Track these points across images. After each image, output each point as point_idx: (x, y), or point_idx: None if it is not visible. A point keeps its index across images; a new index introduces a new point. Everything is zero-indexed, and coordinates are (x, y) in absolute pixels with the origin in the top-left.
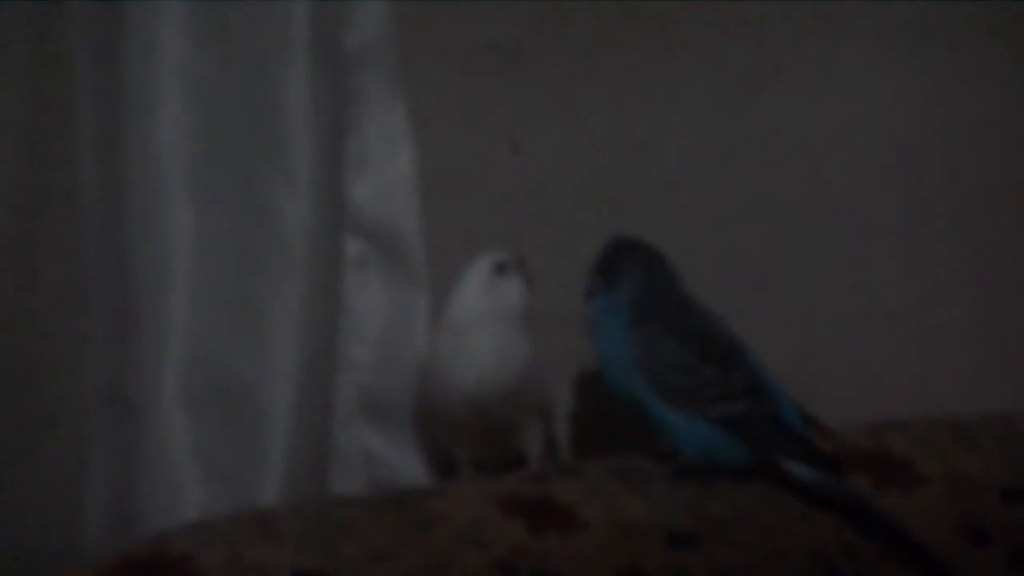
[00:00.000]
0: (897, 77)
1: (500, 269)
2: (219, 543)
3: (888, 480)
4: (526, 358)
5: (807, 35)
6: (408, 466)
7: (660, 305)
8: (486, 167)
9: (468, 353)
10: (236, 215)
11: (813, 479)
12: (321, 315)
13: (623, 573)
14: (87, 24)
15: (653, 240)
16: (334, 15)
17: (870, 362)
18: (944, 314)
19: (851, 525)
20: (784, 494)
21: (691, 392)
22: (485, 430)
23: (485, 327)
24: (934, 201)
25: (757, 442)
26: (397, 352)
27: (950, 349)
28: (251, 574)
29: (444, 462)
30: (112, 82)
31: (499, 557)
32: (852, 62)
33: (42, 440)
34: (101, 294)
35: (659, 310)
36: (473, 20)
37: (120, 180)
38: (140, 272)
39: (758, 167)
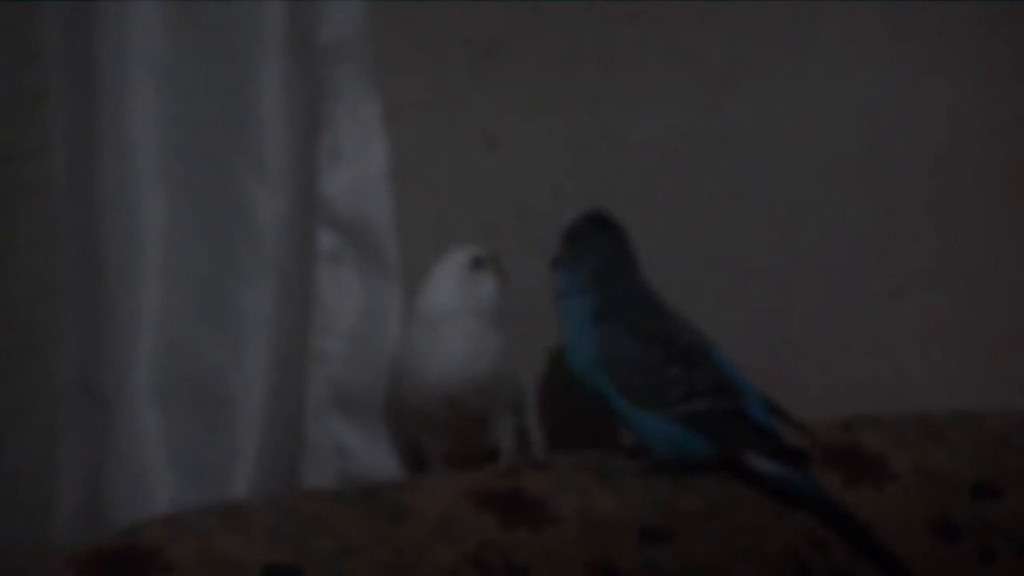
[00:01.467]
0: (870, 72)
1: (475, 264)
2: (190, 536)
3: (859, 476)
4: (497, 352)
5: (781, 30)
6: (380, 460)
7: (623, 300)
8: (461, 161)
9: (440, 347)
10: (209, 208)
11: (777, 474)
12: (293, 308)
13: (594, 568)
14: (60, 16)
15: (630, 236)
16: (309, 9)
17: (842, 357)
18: (917, 310)
19: (815, 520)
20: (752, 490)
21: (654, 391)
22: (456, 424)
23: (457, 321)
24: (907, 196)
25: (720, 438)
26: (370, 346)
27: (923, 345)
28: (222, 567)
29: (415, 456)
30: (85, 75)
31: (470, 551)
32: (826, 57)
33: (12, 432)
34: (73, 286)
35: (621, 306)
36: (448, 15)
37: (93, 173)
38: (112, 264)
39: (733, 162)
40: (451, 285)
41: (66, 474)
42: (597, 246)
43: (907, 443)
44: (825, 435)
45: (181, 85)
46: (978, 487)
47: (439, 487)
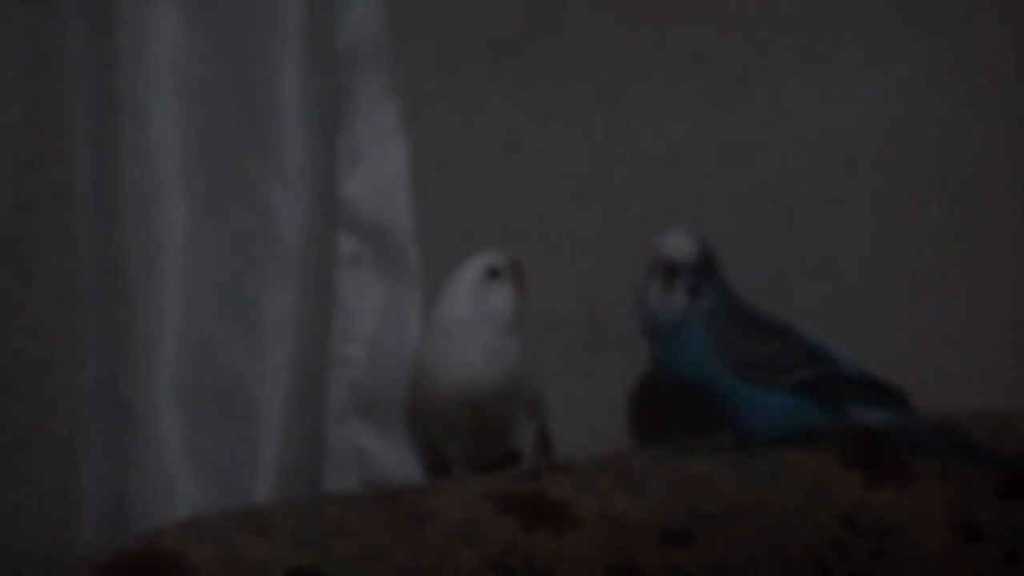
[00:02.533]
0: (888, 72)
1: (492, 274)
2: (212, 540)
3: (883, 477)
4: (514, 357)
5: (799, 31)
6: (401, 464)
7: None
8: (480, 164)
9: (455, 354)
10: (229, 212)
11: (884, 419)
12: (314, 312)
13: (616, 570)
14: (80, 20)
15: (647, 237)
16: (327, 12)
17: (861, 358)
18: (936, 310)
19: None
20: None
21: (764, 368)
22: (476, 428)
23: (472, 330)
24: (926, 196)
25: (828, 396)
26: (390, 349)
27: (942, 345)
28: (243, 571)
29: (437, 460)
30: (105, 79)
31: (492, 555)
32: (844, 57)
33: (36, 437)
34: (95, 292)
35: (726, 301)
36: (468, 17)
37: (113, 177)
38: (134, 270)
39: (752, 162)
40: (466, 295)
41: (89, 479)
42: (713, 272)
43: (929, 445)
44: (849, 437)
45: (201, 90)
46: (1001, 488)
47: (460, 491)
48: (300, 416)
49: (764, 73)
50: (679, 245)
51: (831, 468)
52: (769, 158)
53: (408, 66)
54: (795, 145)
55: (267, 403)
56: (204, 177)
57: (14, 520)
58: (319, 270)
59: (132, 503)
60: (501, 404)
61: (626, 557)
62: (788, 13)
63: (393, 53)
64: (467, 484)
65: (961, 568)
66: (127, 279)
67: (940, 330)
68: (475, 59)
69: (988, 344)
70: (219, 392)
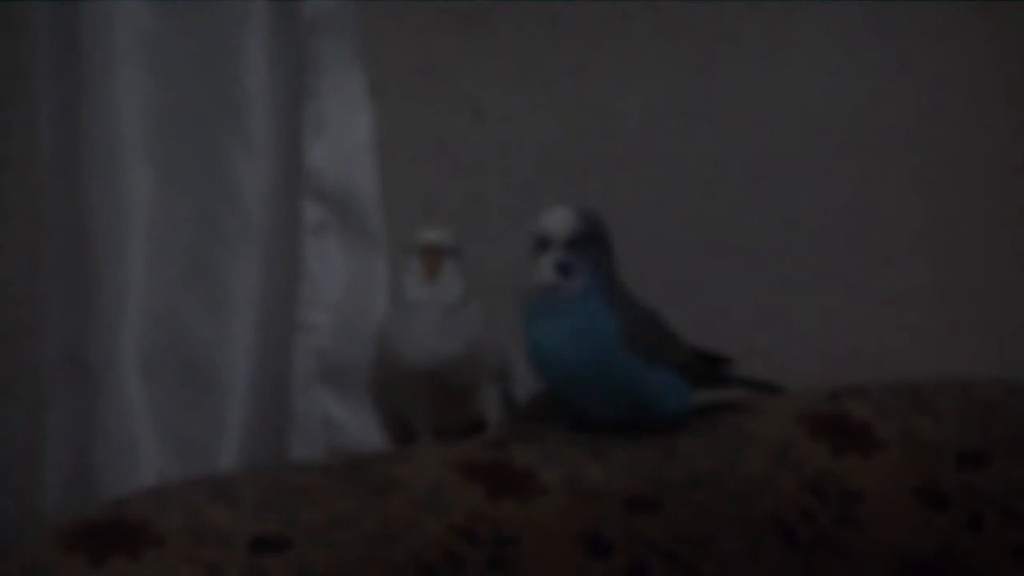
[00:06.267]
0: (855, 41)
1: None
2: (177, 508)
3: (847, 445)
4: (470, 326)
5: (765, 1)
6: (367, 431)
7: (617, 288)
8: (446, 133)
9: (412, 329)
10: (194, 180)
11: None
12: (279, 280)
13: (582, 537)
14: None
15: (615, 206)
16: None
17: (828, 328)
18: (901, 280)
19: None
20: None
21: (659, 348)
22: (439, 398)
23: (421, 307)
24: (892, 166)
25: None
26: (355, 317)
27: (907, 314)
28: (209, 539)
29: (402, 428)
30: (71, 47)
31: (458, 522)
32: (810, 26)
33: (0, 406)
34: (59, 260)
35: (618, 292)
36: None
37: (79, 147)
38: (98, 238)
39: (718, 132)
40: (410, 284)
41: (54, 448)
42: (604, 246)
43: (893, 412)
44: (812, 405)
45: (166, 59)
46: (965, 455)
47: (426, 459)
48: (265, 384)
49: (730, 42)
50: (556, 219)
51: (797, 436)
52: (736, 126)
53: (374, 35)
54: (762, 113)
55: (232, 371)
56: (169, 147)
57: None
58: (284, 238)
59: (97, 471)
60: (461, 374)
61: (592, 525)
62: None
63: (358, 22)
64: (433, 452)
65: (926, 534)
66: (92, 249)
67: (905, 298)
68: (442, 28)
69: (953, 313)
70: (184, 360)
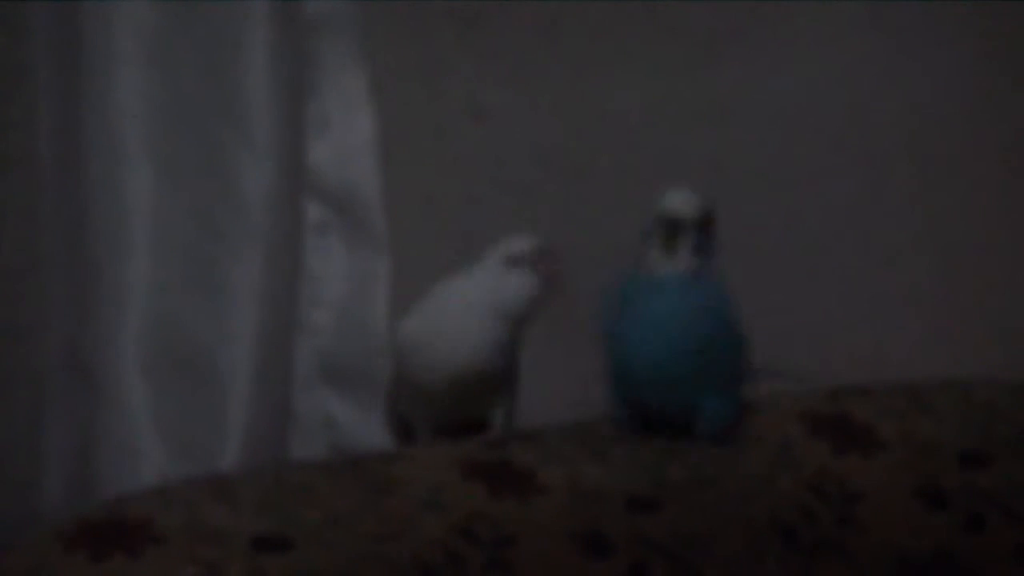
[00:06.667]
0: (856, 40)
1: (513, 261)
2: (178, 508)
3: (848, 445)
4: (507, 342)
5: (766, 0)
6: (367, 430)
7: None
8: (446, 132)
9: (451, 336)
10: (196, 179)
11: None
12: (281, 279)
13: (582, 537)
14: None
15: (614, 206)
16: None
17: (828, 327)
18: (902, 279)
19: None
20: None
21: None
22: (459, 402)
23: (476, 315)
24: (892, 165)
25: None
26: (357, 317)
27: (908, 314)
28: (210, 538)
29: (403, 427)
30: (72, 45)
31: (458, 522)
32: (811, 25)
33: (0, 405)
34: (59, 259)
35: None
36: None
37: (79, 145)
38: (98, 237)
39: (717, 131)
40: (480, 279)
41: (54, 448)
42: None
43: (895, 412)
44: (813, 405)
45: (167, 56)
46: (966, 455)
47: (427, 458)
48: (267, 383)
49: (729, 41)
50: (686, 201)
51: (797, 436)
52: (734, 126)
53: (374, 34)
54: (762, 113)
55: (233, 370)
56: (170, 145)
57: None
58: (286, 238)
59: (97, 471)
60: (487, 381)
61: (592, 524)
62: None
63: (359, 21)
64: (434, 451)
65: (926, 535)
66: (92, 247)
67: (905, 298)
68: (441, 27)
69: (954, 312)
70: (185, 360)
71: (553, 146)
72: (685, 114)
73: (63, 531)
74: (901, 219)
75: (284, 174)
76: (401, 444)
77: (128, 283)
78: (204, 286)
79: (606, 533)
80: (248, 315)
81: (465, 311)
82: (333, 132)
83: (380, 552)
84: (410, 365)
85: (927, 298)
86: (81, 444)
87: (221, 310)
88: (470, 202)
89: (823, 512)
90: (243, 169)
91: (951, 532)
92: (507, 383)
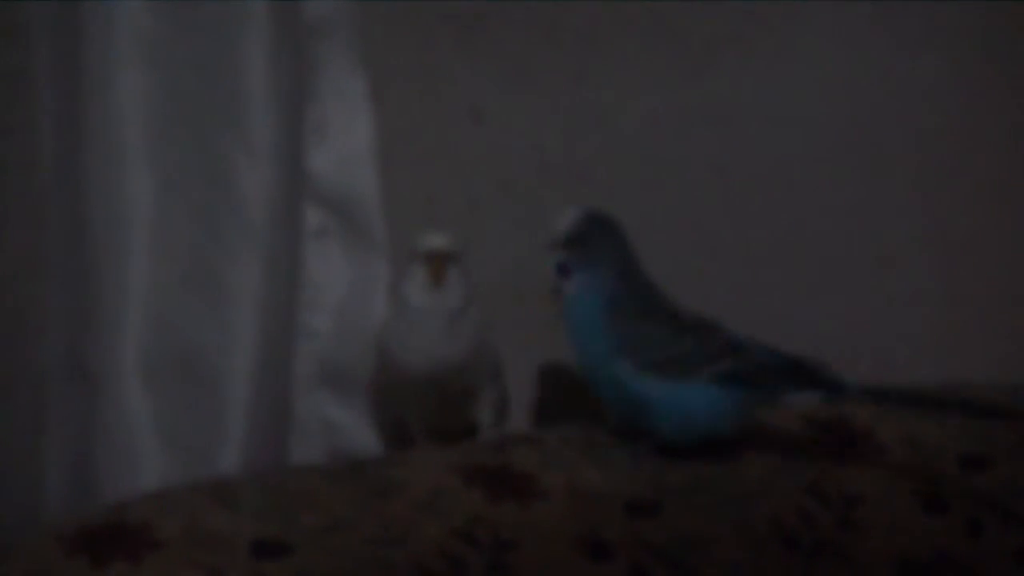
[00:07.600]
0: (855, 44)
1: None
2: (178, 512)
3: (850, 449)
4: (472, 332)
5: (766, 4)
6: (367, 435)
7: (629, 293)
8: (446, 136)
9: (415, 335)
10: (195, 184)
11: (821, 399)
12: (280, 284)
13: (582, 541)
14: None
15: (614, 210)
16: None
17: (829, 330)
18: (903, 282)
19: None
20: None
21: (677, 361)
22: (439, 402)
23: (424, 312)
24: (892, 168)
25: (754, 383)
26: (357, 321)
27: (909, 317)
28: (210, 543)
29: (400, 431)
30: (71, 50)
31: (458, 526)
32: (810, 31)
33: (0, 409)
34: (59, 263)
35: (629, 298)
36: None
37: (79, 149)
38: (99, 241)
39: (718, 136)
40: (414, 290)
41: (54, 451)
42: (604, 246)
43: (894, 415)
44: (814, 409)
45: (167, 61)
46: (966, 459)
47: (427, 462)
48: (266, 388)
49: (730, 46)
50: (556, 219)
51: (797, 437)
52: (735, 131)
53: (374, 38)
54: (761, 117)
55: (233, 375)
56: (169, 148)
57: None
58: (285, 242)
59: (97, 476)
60: (463, 378)
61: (592, 528)
62: None
63: (359, 25)
64: (433, 455)
65: (926, 538)
66: (92, 252)
67: (905, 299)
68: (441, 31)
69: (953, 314)
70: (185, 364)
71: (553, 150)
72: (686, 117)
73: (63, 535)
74: (902, 220)
75: (284, 178)
76: (400, 448)
77: (128, 287)
78: (203, 291)
79: (606, 537)
80: (248, 319)
81: (415, 312)
82: (332, 136)
83: (380, 556)
84: (388, 371)
85: (928, 299)
86: (81, 447)
87: (221, 314)
88: (468, 207)
89: (823, 516)
90: (242, 173)
91: (951, 536)
92: (488, 373)
